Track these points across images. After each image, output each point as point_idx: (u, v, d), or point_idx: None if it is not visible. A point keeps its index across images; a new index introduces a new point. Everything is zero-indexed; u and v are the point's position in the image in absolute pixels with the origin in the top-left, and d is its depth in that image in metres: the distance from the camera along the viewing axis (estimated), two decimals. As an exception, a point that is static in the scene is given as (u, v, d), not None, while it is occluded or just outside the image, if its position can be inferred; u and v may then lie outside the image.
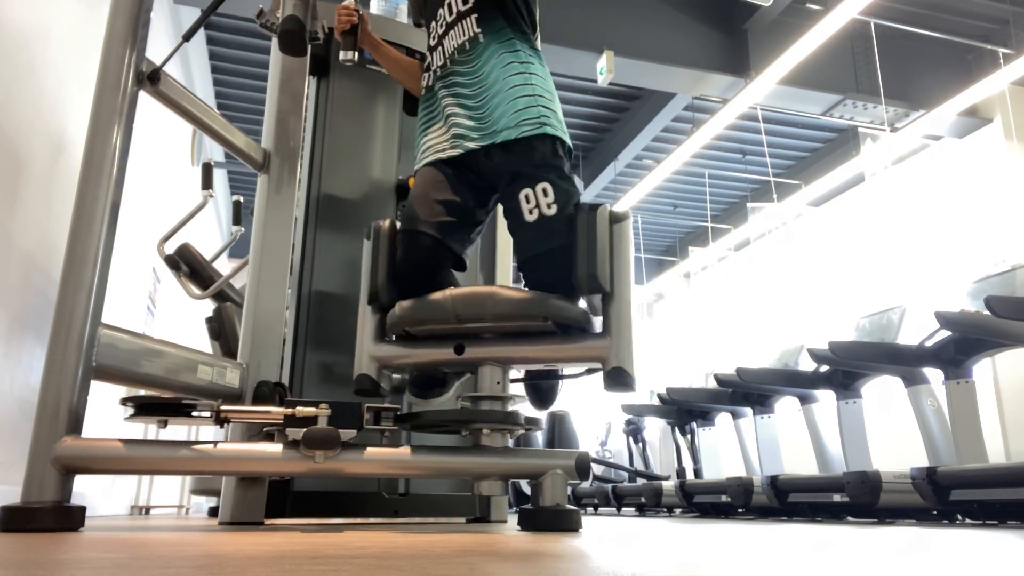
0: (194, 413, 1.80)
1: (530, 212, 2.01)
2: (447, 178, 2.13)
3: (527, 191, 2.01)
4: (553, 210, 1.99)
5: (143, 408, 1.78)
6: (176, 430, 5.87)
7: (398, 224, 2.14)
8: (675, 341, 11.50)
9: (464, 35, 2.19)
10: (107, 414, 4.02)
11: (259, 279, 2.31)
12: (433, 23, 2.29)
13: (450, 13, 2.23)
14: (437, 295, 1.99)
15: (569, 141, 2.14)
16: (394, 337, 2.09)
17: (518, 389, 2.22)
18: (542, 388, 2.26)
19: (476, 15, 2.18)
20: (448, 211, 2.10)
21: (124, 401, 1.82)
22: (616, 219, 2.01)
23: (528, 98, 2.08)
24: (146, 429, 4.96)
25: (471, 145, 2.09)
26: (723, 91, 6.33)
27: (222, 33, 6.42)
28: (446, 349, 2.00)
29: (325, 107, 2.66)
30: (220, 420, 1.82)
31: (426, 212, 2.09)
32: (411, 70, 2.50)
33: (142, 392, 2.02)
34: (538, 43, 2.27)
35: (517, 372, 2.19)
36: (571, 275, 1.97)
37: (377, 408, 1.93)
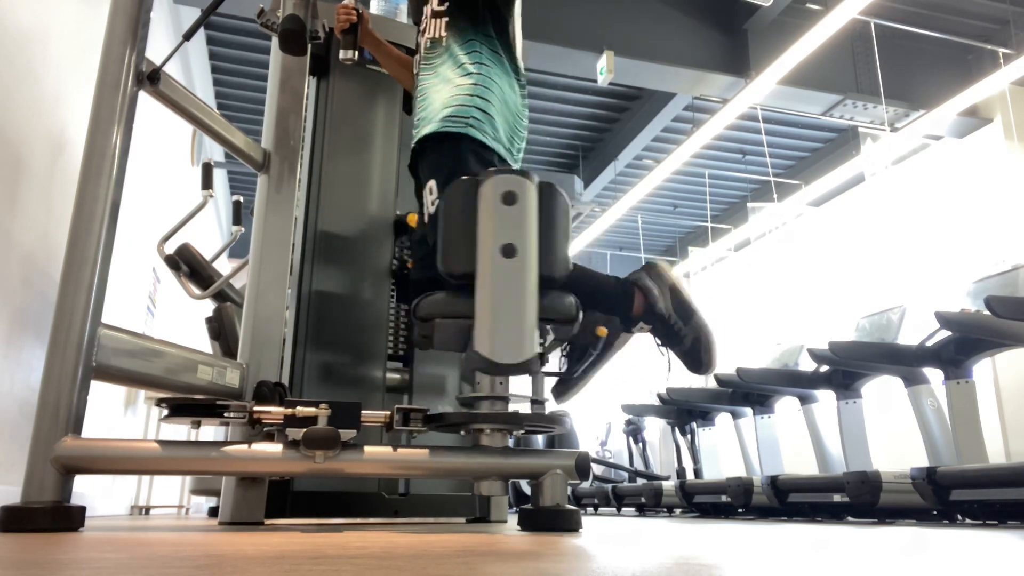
0: (226, 414, 1.81)
1: (426, 215, 2.03)
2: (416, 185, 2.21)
3: (424, 192, 2.04)
4: (436, 206, 1.97)
5: (178, 409, 1.79)
6: (177, 430, 5.87)
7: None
8: (675, 341, 11.48)
9: (432, 34, 2.22)
10: (107, 414, 4.02)
11: (259, 279, 2.31)
12: (421, 18, 2.33)
13: (430, 12, 2.25)
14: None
15: (498, 148, 2.07)
16: None
17: (518, 389, 2.22)
18: (688, 350, 2.19)
19: (447, 19, 2.19)
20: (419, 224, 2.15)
21: (159, 402, 1.84)
22: (480, 183, 1.82)
23: (463, 96, 2.05)
24: (146, 429, 4.96)
25: (413, 144, 2.15)
26: (723, 91, 6.33)
27: (222, 33, 6.42)
28: None
29: (325, 107, 2.66)
30: (254, 422, 1.82)
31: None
32: (410, 70, 2.51)
33: (144, 392, 2.02)
34: (516, 52, 2.24)
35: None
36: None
37: (406, 409, 1.93)
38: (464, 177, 1.87)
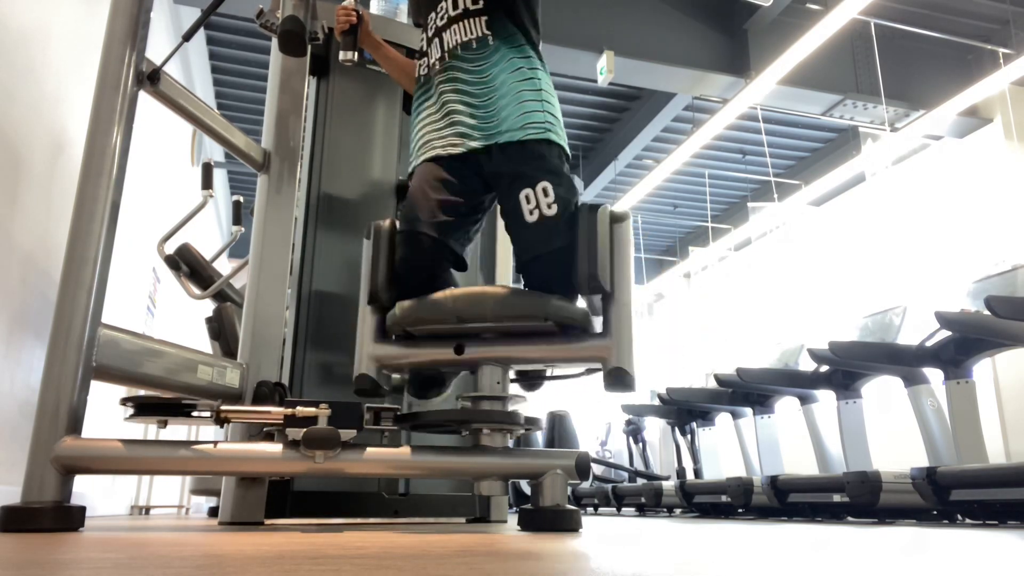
0: (194, 413, 1.80)
1: (531, 213, 2.01)
2: (446, 177, 2.12)
3: (527, 191, 2.01)
4: (554, 210, 2.00)
5: (143, 408, 1.78)
6: (176, 430, 5.87)
7: (398, 224, 2.14)
8: (675, 341, 11.50)
9: (471, 33, 2.18)
10: (107, 414, 4.02)
11: (259, 279, 2.31)
12: (432, 14, 2.28)
13: (454, 8, 2.21)
14: (438, 295, 1.99)
15: (568, 150, 2.16)
16: (394, 337, 2.09)
17: (518, 389, 2.22)
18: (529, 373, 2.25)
19: (486, 17, 2.17)
20: (447, 211, 2.09)
21: (124, 401, 1.82)
22: (616, 219, 2.01)
23: (536, 103, 2.11)
24: (146, 429, 4.96)
25: (474, 144, 2.09)
26: (723, 91, 6.33)
27: (222, 33, 6.42)
28: (446, 349, 2.00)
29: (325, 107, 2.66)
30: (220, 420, 1.82)
31: (426, 212, 2.08)
32: (410, 71, 2.50)
33: (141, 392, 2.02)
34: (541, 51, 2.28)
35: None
36: (572, 276, 1.97)
37: (377, 408, 1.93)
38: (594, 204, 2.04)
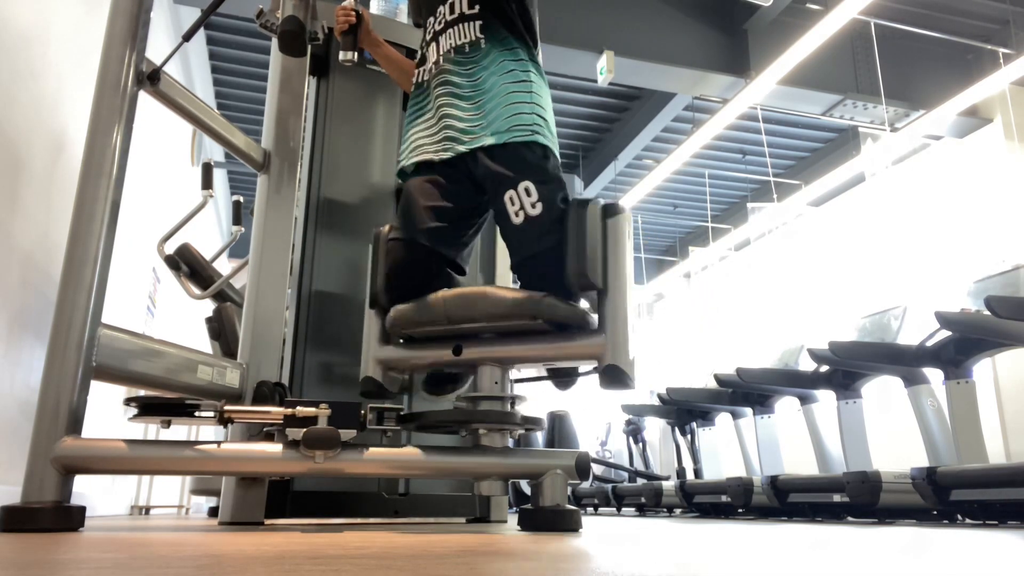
0: (197, 413, 1.80)
1: (516, 214, 2.00)
2: (437, 182, 2.13)
3: (511, 193, 2.01)
4: (538, 209, 1.98)
5: (147, 408, 1.78)
6: (176, 430, 5.87)
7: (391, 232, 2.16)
8: (675, 341, 11.50)
9: (464, 37, 2.18)
10: (107, 414, 4.02)
11: (259, 279, 2.31)
12: (431, 19, 2.28)
13: (451, 12, 2.22)
14: (430, 297, 2.00)
15: (558, 153, 2.15)
16: (401, 340, 2.11)
17: (520, 388, 2.22)
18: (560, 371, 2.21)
19: (481, 22, 2.17)
20: (438, 217, 2.10)
21: (128, 401, 1.82)
22: (610, 213, 1.98)
23: (524, 104, 2.09)
24: (146, 429, 4.96)
25: (462, 148, 2.09)
26: (723, 91, 6.33)
27: (222, 33, 6.42)
28: (446, 350, 2.01)
29: (325, 107, 2.66)
30: (224, 420, 1.82)
31: (417, 219, 2.10)
32: (410, 71, 2.49)
33: (141, 392, 2.02)
34: (539, 57, 2.26)
35: (519, 372, 2.19)
36: (564, 274, 1.95)
37: (380, 408, 1.93)
38: (584, 199, 2.01)
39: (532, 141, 2.05)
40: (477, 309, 1.94)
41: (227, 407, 1.83)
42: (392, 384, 2.11)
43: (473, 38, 2.17)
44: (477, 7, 2.18)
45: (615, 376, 1.88)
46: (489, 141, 2.05)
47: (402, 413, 1.97)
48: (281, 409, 1.84)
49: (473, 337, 2.01)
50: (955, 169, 7.05)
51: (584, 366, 2.10)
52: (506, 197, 2.01)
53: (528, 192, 1.99)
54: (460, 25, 2.19)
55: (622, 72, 5.88)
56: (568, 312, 1.95)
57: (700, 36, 6.15)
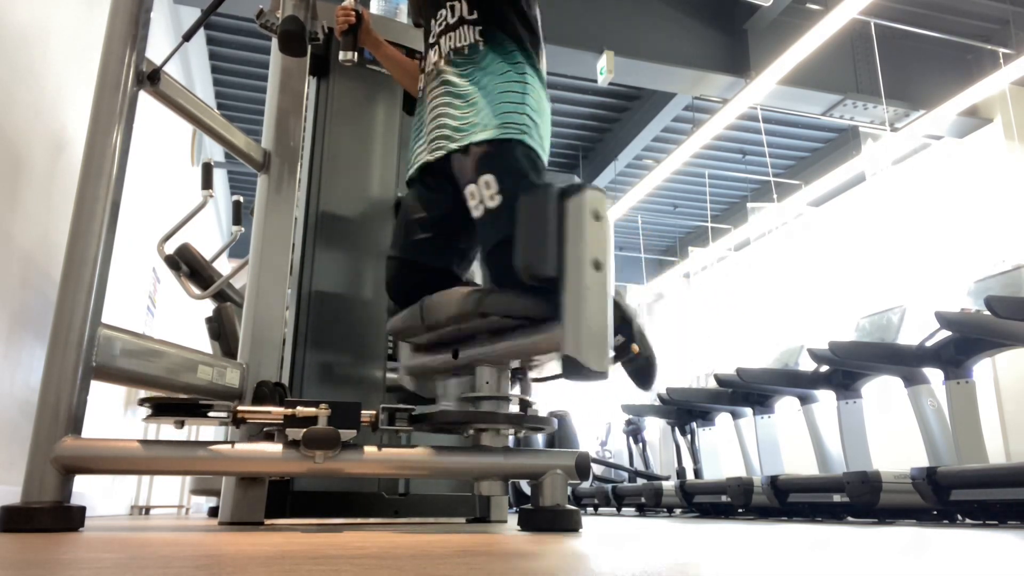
0: (211, 414, 1.81)
1: (475, 208, 1.98)
2: (422, 193, 2.16)
3: (471, 187, 1.99)
4: (496, 201, 1.94)
5: (161, 409, 1.79)
6: (176, 431, 5.86)
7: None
8: (675, 341, 11.49)
9: (464, 40, 2.18)
10: (107, 414, 4.02)
11: (259, 279, 2.31)
12: (432, 22, 2.29)
13: (452, 15, 2.22)
14: (412, 307, 2.04)
15: (545, 157, 2.11)
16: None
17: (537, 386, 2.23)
18: (639, 367, 2.16)
19: (480, 27, 2.17)
20: (423, 228, 2.11)
21: (142, 402, 1.84)
22: (568, 195, 1.85)
23: (516, 104, 2.07)
24: (146, 429, 4.96)
25: (453, 146, 2.07)
26: (723, 91, 6.33)
27: (222, 33, 6.42)
28: (446, 354, 2.05)
29: (325, 107, 2.66)
30: (237, 421, 1.82)
31: (404, 233, 2.14)
32: (411, 71, 2.50)
33: (143, 392, 2.02)
34: (543, 63, 2.24)
35: (539, 371, 2.16)
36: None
37: (392, 409, 1.94)
38: (543, 184, 1.94)
39: (512, 139, 2.02)
40: (441, 312, 1.94)
41: (240, 408, 1.83)
42: (424, 390, 2.18)
43: (472, 41, 2.17)
44: (476, 12, 2.18)
45: (573, 367, 1.79)
46: (477, 137, 2.04)
47: (414, 413, 1.97)
48: (269, 408, 1.85)
49: (470, 338, 2.02)
50: (955, 169, 7.05)
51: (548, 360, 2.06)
52: (467, 192, 2.01)
53: (488, 185, 1.96)
54: (460, 29, 2.20)
55: (622, 72, 5.88)
56: (521, 305, 1.88)
57: (700, 36, 6.15)
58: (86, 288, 1.71)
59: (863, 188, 8.20)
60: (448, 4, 2.23)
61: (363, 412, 1.93)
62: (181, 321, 6.06)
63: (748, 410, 5.00)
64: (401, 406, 1.96)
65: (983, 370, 6.07)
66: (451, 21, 2.22)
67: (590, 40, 5.74)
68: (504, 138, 2.02)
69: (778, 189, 8.92)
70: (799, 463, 5.53)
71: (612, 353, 1.88)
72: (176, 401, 1.82)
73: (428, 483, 2.55)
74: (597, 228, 1.85)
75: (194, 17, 5.45)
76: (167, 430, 5.11)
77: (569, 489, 3.72)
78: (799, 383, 4.40)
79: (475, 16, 2.18)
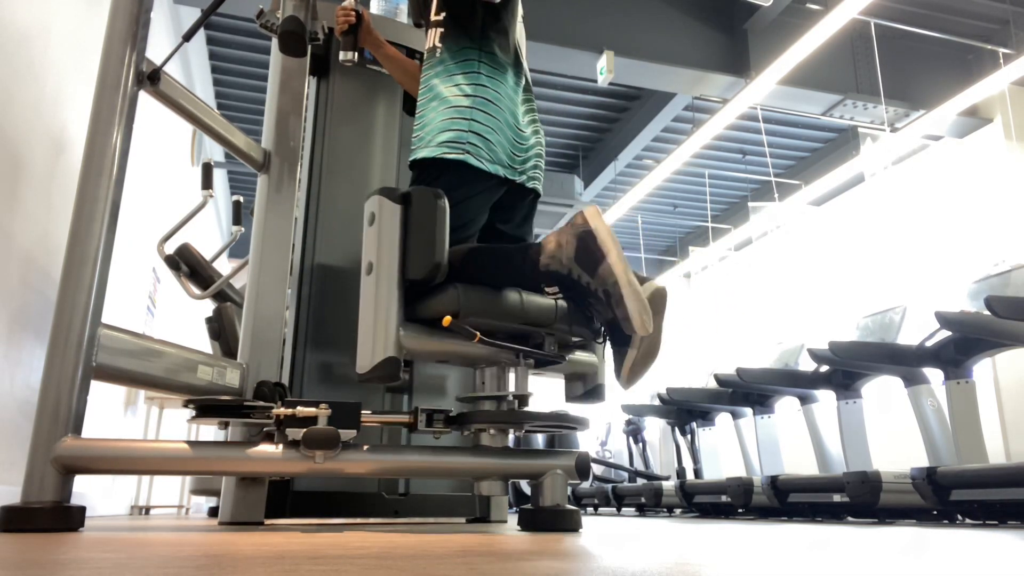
0: (253, 416, 1.84)
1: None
2: None
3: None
4: None
5: (205, 410, 1.81)
6: (176, 430, 5.87)
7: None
8: (675, 341, 11.49)
9: (428, 44, 2.18)
10: (107, 414, 4.02)
11: (259, 279, 2.31)
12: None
13: (433, 15, 2.22)
14: (512, 295, 1.87)
15: (497, 170, 2.04)
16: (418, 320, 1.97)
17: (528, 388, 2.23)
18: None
19: (441, 29, 2.15)
20: None
21: (187, 403, 1.86)
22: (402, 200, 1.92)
23: (460, 121, 2.02)
24: (146, 429, 4.96)
25: (411, 158, 2.12)
26: (723, 91, 6.33)
27: (222, 33, 6.42)
28: (468, 344, 1.89)
29: (325, 107, 2.66)
30: (279, 423, 1.81)
31: None
32: (411, 71, 2.50)
33: (145, 392, 2.02)
34: (508, 61, 2.15)
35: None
36: None
37: (430, 411, 1.95)
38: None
39: (446, 159, 1.99)
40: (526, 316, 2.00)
41: (278, 410, 1.82)
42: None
43: (431, 45, 2.16)
44: (443, 13, 2.15)
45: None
46: (419, 155, 2.05)
47: (451, 415, 1.98)
48: (283, 409, 1.85)
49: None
50: (955, 169, 7.05)
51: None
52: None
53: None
54: (430, 31, 2.19)
55: (622, 72, 5.88)
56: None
57: (700, 36, 6.15)
58: (86, 288, 1.71)
59: (863, 188, 8.21)
60: (432, 4, 2.22)
61: (399, 414, 1.96)
62: (181, 321, 6.06)
63: (748, 410, 5.00)
64: (438, 408, 1.97)
65: (983, 370, 6.07)
66: (431, 20, 2.22)
67: (590, 40, 5.74)
68: (443, 158, 1.99)
69: (778, 189, 8.93)
70: (799, 463, 5.53)
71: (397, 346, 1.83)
72: (220, 403, 1.84)
73: (428, 483, 2.55)
74: (369, 232, 1.95)
75: (194, 17, 5.45)
76: (166, 430, 5.11)
77: (569, 489, 3.72)
78: (799, 383, 4.40)
79: (440, 17, 2.16)
